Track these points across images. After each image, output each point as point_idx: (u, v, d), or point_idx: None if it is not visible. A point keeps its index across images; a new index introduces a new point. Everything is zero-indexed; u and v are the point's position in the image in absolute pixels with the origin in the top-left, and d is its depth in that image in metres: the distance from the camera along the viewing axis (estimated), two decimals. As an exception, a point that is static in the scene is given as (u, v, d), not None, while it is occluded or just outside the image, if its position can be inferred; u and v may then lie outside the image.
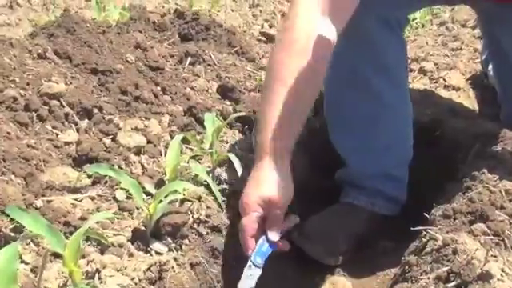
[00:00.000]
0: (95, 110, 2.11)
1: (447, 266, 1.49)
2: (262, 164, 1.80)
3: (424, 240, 1.80)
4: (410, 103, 2.26)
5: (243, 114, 2.27)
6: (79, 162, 1.89)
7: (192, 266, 1.75)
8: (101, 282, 1.47)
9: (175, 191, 1.79)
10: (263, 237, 1.80)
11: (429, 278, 1.52)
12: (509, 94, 2.41)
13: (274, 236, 1.80)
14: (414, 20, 4.16)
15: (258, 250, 1.79)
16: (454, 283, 1.44)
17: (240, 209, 1.79)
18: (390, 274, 2.06)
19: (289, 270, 2.10)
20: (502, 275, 1.47)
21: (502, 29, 2.22)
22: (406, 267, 1.77)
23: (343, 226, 2.18)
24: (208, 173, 1.98)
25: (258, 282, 1.83)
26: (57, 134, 1.98)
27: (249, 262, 1.76)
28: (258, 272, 1.77)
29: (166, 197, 1.72)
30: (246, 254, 1.76)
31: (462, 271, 1.44)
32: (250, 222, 1.76)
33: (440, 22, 4.15)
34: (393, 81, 2.10)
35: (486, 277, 1.43)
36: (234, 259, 1.92)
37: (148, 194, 1.84)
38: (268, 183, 1.77)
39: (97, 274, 1.48)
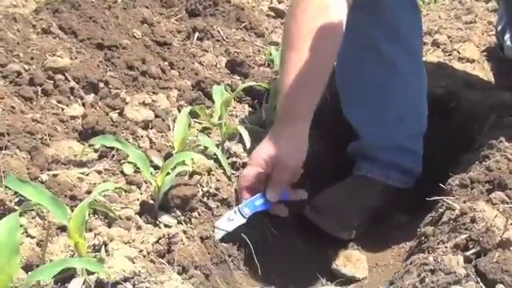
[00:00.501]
0: (101, 85, 2.06)
1: (465, 233, 1.44)
2: (278, 125, 1.83)
3: (440, 210, 1.74)
4: (425, 74, 2.21)
5: (252, 83, 2.21)
6: (85, 135, 1.84)
7: (202, 239, 1.71)
8: (108, 255, 1.42)
9: (183, 163, 1.74)
10: (262, 192, 1.81)
11: (446, 248, 1.46)
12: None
13: (272, 196, 1.81)
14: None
15: (251, 202, 1.80)
16: (473, 251, 1.38)
17: (248, 160, 1.83)
18: (405, 246, 2.00)
19: (302, 244, 2.06)
20: (522, 243, 1.41)
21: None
22: (423, 238, 1.72)
23: (356, 200, 2.13)
24: (217, 146, 1.94)
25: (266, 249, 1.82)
26: (62, 109, 1.93)
27: (235, 208, 1.78)
28: (241, 220, 1.77)
29: (173, 169, 1.68)
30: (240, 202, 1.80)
31: (481, 238, 1.38)
32: (248, 174, 1.80)
33: (453, -5, 4.07)
34: (406, 48, 2.04)
35: (506, 244, 1.37)
36: (244, 233, 1.87)
37: (156, 167, 1.79)
38: (280, 143, 1.79)
39: (103, 247, 1.43)
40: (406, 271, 1.58)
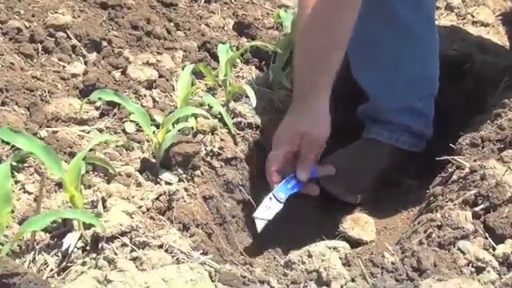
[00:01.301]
0: (104, 43, 2.02)
1: (474, 190, 1.39)
2: (298, 100, 1.79)
3: (450, 170, 1.70)
4: (437, 36, 2.14)
5: (259, 43, 2.15)
6: (86, 93, 1.79)
7: (205, 199, 1.68)
8: (106, 211, 1.38)
9: (186, 120, 1.70)
10: (292, 174, 1.77)
11: (454, 204, 1.42)
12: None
13: (303, 175, 1.77)
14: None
15: (283, 185, 1.75)
16: (481, 206, 1.34)
17: (272, 143, 1.78)
18: (415, 210, 1.95)
19: (309, 208, 2.02)
20: (534, 200, 1.36)
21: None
22: (431, 198, 1.68)
23: (364, 163, 2.07)
24: (222, 106, 1.89)
25: (276, 217, 1.77)
26: (63, 67, 1.89)
27: (270, 194, 1.73)
28: (278, 206, 1.73)
29: (175, 125, 1.63)
30: (271, 187, 1.75)
31: (490, 193, 1.34)
32: (276, 156, 1.76)
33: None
34: (418, 9, 1.97)
35: (516, 200, 1.33)
36: (249, 194, 1.83)
37: (158, 126, 1.75)
38: (303, 118, 1.75)
39: (101, 202, 1.40)
40: (413, 231, 1.54)
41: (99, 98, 1.76)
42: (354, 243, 1.85)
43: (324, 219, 1.98)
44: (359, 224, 1.90)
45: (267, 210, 1.71)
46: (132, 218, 1.35)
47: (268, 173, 1.77)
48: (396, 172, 2.17)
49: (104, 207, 1.41)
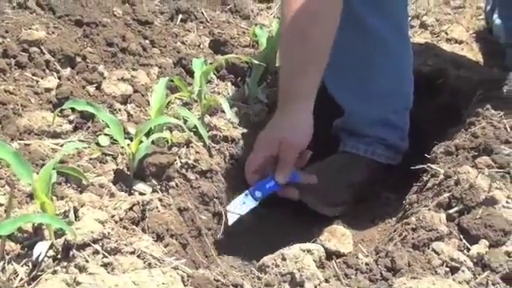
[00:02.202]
0: (78, 59, 2.02)
1: (448, 193, 1.39)
2: (281, 106, 1.80)
3: (425, 179, 1.70)
4: (411, 50, 2.15)
5: (232, 56, 2.16)
6: (59, 106, 1.77)
7: (180, 210, 1.66)
8: (77, 219, 1.36)
9: (160, 131, 1.69)
10: (271, 175, 1.78)
11: (430, 209, 1.41)
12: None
13: (280, 178, 1.79)
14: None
15: (262, 185, 1.77)
16: (455, 209, 1.34)
17: (254, 145, 1.80)
18: (392, 222, 1.95)
19: (286, 221, 2.01)
20: (507, 202, 1.37)
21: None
22: (407, 206, 1.68)
23: (341, 176, 2.07)
24: (198, 119, 1.88)
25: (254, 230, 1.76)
26: (37, 81, 1.88)
27: (246, 191, 1.74)
28: (253, 204, 1.74)
29: (148, 136, 1.62)
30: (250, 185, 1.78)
31: (464, 196, 1.34)
32: (255, 158, 1.78)
33: (443, -14, 4.03)
34: (390, 21, 1.98)
35: (490, 202, 1.33)
36: (225, 207, 1.82)
37: (132, 139, 1.74)
38: (283, 123, 1.77)
39: (72, 211, 1.38)
40: (389, 239, 1.54)
41: (72, 110, 1.75)
42: (331, 255, 1.84)
43: (301, 232, 1.95)
44: (336, 236, 1.88)
45: (241, 205, 1.72)
46: (104, 225, 1.33)
47: (247, 174, 1.79)
48: (373, 185, 2.17)
49: (76, 216, 1.39)
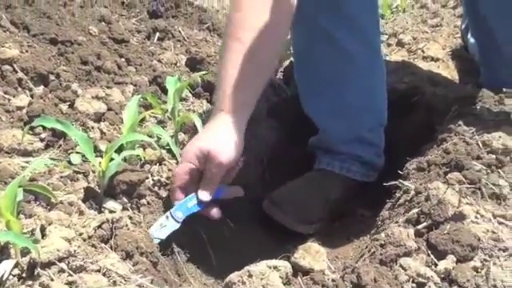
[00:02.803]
0: (51, 77, 2.00)
1: (417, 209, 1.39)
2: (213, 117, 1.71)
3: (398, 195, 1.70)
4: (383, 66, 2.16)
5: (207, 73, 2.16)
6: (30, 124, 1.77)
7: (152, 229, 1.65)
8: (44, 238, 1.35)
9: (132, 149, 1.68)
10: (194, 193, 1.68)
11: (399, 225, 1.41)
12: (487, 57, 2.31)
13: (204, 196, 1.67)
14: (395, 6, 4.08)
15: (183, 204, 1.66)
16: (424, 224, 1.34)
17: (181, 157, 1.70)
18: (366, 239, 1.94)
19: (260, 239, 2.00)
20: (476, 217, 1.37)
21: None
22: (379, 223, 1.67)
23: (316, 193, 2.07)
24: (171, 137, 1.88)
25: (227, 249, 1.73)
26: (9, 100, 1.87)
27: (167, 213, 1.64)
28: (174, 226, 1.64)
29: (120, 153, 1.61)
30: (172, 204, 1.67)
31: (432, 211, 1.34)
32: (180, 172, 1.66)
33: (421, 5, 4.06)
34: (361, 37, 1.98)
35: (458, 217, 1.33)
36: (198, 225, 1.81)
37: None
38: (211, 136, 1.67)
39: (39, 229, 1.36)
40: (360, 256, 1.53)
41: (44, 128, 1.74)
42: (305, 273, 1.83)
43: (274, 248, 1.95)
44: (310, 253, 1.87)
45: (161, 228, 1.62)
46: (70, 243, 1.31)
47: (171, 189, 1.68)
48: (349, 202, 2.17)
49: (43, 234, 1.38)
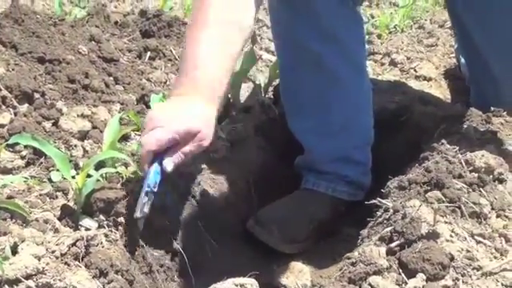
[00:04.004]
0: (36, 95, 2.01)
1: (391, 227, 1.38)
2: (193, 98, 1.62)
3: (378, 213, 1.68)
4: (368, 83, 2.15)
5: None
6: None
7: (131, 247, 1.64)
8: (15, 254, 1.34)
9: (112, 166, 1.67)
10: (156, 163, 1.61)
11: (373, 244, 1.40)
12: (475, 75, 2.30)
13: (170, 165, 1.61)
14: (394, 26, 4.07)
15: (153, 174, 1.61)
16: (396, 243, 1.32)
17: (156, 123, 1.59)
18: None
19: (243, 257, 1.99)
20: (451, 236, 1.35)
21: (464, 7, 2.11)
22: (359, 241, 1.66)
23: (301, 213, 2.06)
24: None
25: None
26: (-9, 118, 1.87)
27: (144, 190, 1.59)
28: (152, 197, 1.61)
29: (97, 171, 1.61)
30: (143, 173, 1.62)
31: (404, 230, 1.32)
32: (163, 139, 1.57)
33: (419, 25, 4.06)
34: (345, 55, 1.98)
35: (431, 236, 1.31)
36: (179, 243, 1.80)
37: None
38: (201, 117, 1.61)
39: (8, 246, 1.35)
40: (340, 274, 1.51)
41: (25, 146, 1.74)
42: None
43: (257, 267, 1.93)
44: (294, 273, 1.87)
45: (145, 206, 1.59)
46: (40, 261, 1.31)
47: (146, 152, 1.58)
48: (336, 221, 2.15)
49: (15, 252, 1.37)
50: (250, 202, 2.16)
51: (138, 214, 1.57)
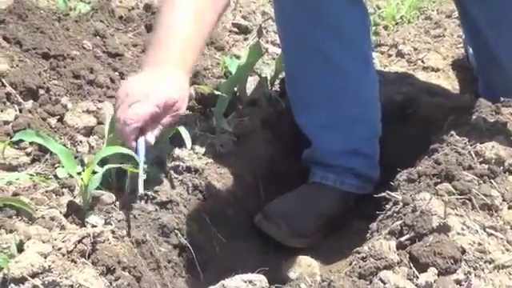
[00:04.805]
0: (41, 91, 1.99)
1: (401, 220, 1.36)
2: (165, 69, 1.68)
3: (388, 206, 1.66)
4: (375, 76, 2.13)
5: (197, 86, 2.15)
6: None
7: (138, 243, 1.62)
8: (21, 251, 1.33)
9: (120, 163, 1.66)
10: (143, 137, 1.64)
11: (382, 238, 1.38)
12: (483, 65, 2.28)
13: (153, 139, 1.66)
14: (400, 17, 4.04)
15: (142, 150, 1.64)
16: (407, 236, 1.30)
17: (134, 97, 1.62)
18: (361, 252, 1.91)
19: (252, 252, 1.97)
20: (462, 229, 1.33)
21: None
22: (368, 235, 1.64)
23: (310, 207, 2.04)
24: (159, 149, 1.86)
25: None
26: (-4, 114, 1.86)
27: (141, 168, 1.62)
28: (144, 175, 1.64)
29: (103, 166, 1.59)
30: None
31: (415, 223, 1.30)
32: (146, 114, 1.61)
33: (426, 16, 4.03)
34: (351, 47, 1.96)
35: (442, 229, 1.29)
36: (186, 238, 1.78)
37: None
38: (175, 87, 1.66)
39: (14, 244, 1.34)
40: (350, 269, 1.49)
41: (30, 143, 1.72)
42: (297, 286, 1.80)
43: (266, 262, 1.91)
44: (302, 266, 1.85)
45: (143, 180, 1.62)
46: (46, 258, 1.30)
47: (131, 129, 1.60)
48: (345, 215, 2.13)
49: (21, 250, 1.36)
50: (258, 196, 2.14)
51: (142, 191, 1.60)
